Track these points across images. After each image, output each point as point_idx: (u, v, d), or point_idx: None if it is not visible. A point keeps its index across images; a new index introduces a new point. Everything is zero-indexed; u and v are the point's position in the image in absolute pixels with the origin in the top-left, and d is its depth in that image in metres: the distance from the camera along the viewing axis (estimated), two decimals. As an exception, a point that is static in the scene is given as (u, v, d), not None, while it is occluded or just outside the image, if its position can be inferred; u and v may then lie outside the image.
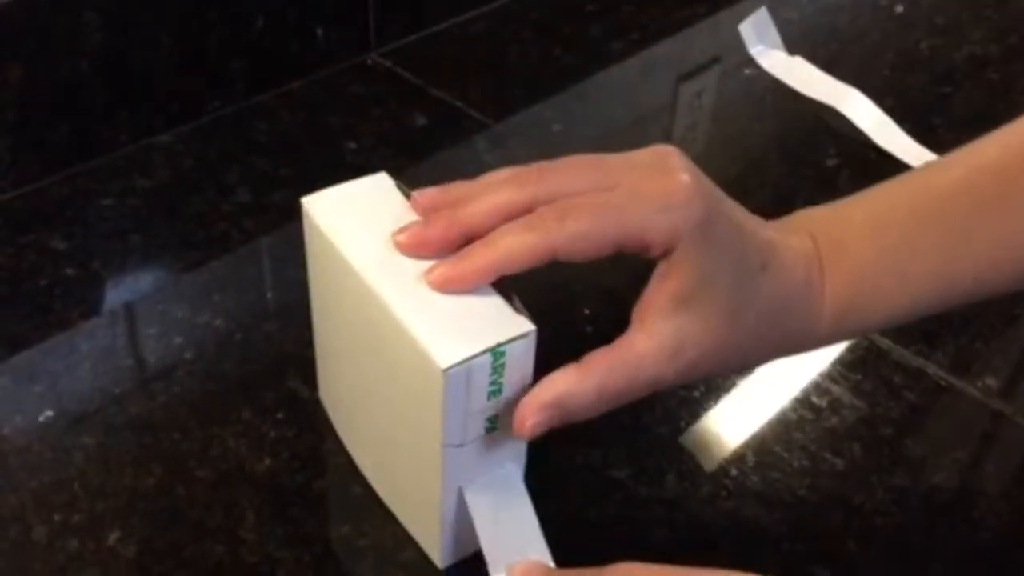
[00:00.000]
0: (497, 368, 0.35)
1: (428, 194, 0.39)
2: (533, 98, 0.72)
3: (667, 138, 0.71)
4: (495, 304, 0.36)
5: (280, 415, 0.48)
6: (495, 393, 0.36)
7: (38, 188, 0.60)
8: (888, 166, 0.66)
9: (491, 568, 0.37)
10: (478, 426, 0.36)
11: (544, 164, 0.37)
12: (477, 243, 0.36)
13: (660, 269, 0.36)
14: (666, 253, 0.36)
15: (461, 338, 0.35)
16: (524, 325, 0.35)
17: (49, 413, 0.47)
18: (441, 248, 0.37)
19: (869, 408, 0.49)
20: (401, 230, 0.37)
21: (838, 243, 0.39)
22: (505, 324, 0.35)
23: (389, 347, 0.37)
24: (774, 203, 0.63)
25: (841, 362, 0.52)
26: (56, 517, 0.43)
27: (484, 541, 0.38)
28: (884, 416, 0.49)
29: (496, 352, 0.35)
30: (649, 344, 0.36)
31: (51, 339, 0.51)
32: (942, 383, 0.51)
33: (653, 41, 0.79)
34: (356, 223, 0.39)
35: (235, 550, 0.42)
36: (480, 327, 0.35)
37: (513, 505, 0.38)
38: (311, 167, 0.64)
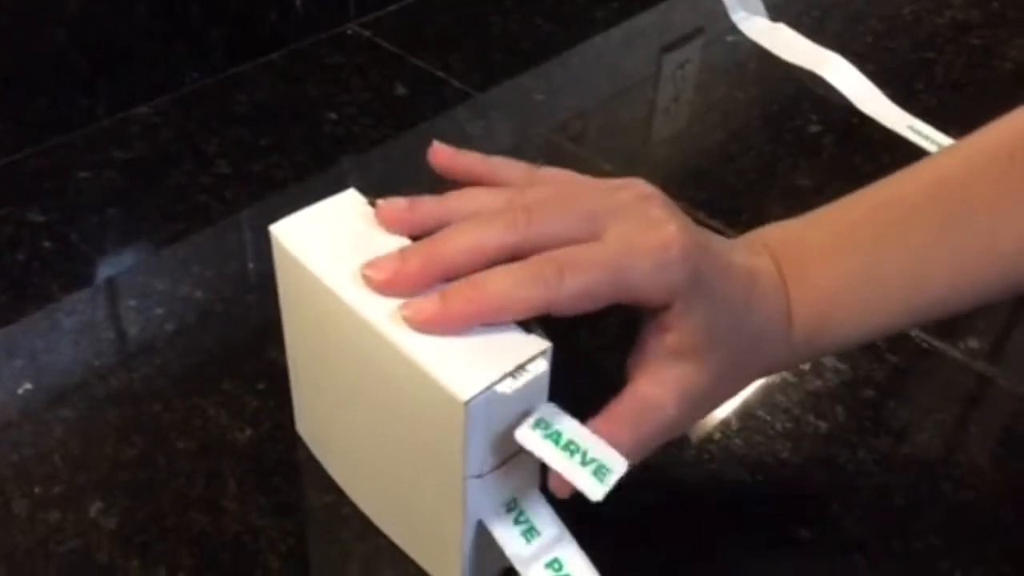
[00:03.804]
0: (518, 391, 0.33)
1: (394, 207, 0.37)
2: (515, 67, 0.71)
3: (651, 108, 0.70)
4: (503, 323, 0.34)
5: (261, 386, 0.47)
6: (516, 417, 0.34)
7: (15, 161, 0.60)
8: (870, 132, 0.66)
9: None
10: (498, 454, 0.35)
11: (526, 199, 0.36)
12: (465, 284, 0.34)
13: (658, 321, 0.36)
14: (662, 307, 0.35)
15: (476, 365, 0.33)
16: (539, 343, 0.34)
17: (28, 386, 0.47)
18: (417, 287, 0.35)
19: (852, 371, 0.50)
20: (371, 264, 0.35)
21: (800, 267, 0.39)
22: (519, 344, 0.34)
23: (395, 381, 0.35)
24: (756, 170, 0.64)
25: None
26: (36, 490, 0.43)
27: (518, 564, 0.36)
28: (867, 379, 0.49)
29: (516, 375, 0.33)
30: (661, 392, 0.36)
31: (29, 312, 0.51)
32: (924, 345, 0.51)
33: (636, 10, 0.78)
34: (334, 249, 0.37)
35: (217, 519, 0.42)
36: (493, 350, 0.33)
37: (540, 522, 0.37)
38: (291, 138, 0.63)
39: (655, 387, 0.36)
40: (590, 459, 0.33)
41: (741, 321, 0.37)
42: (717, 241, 0.38)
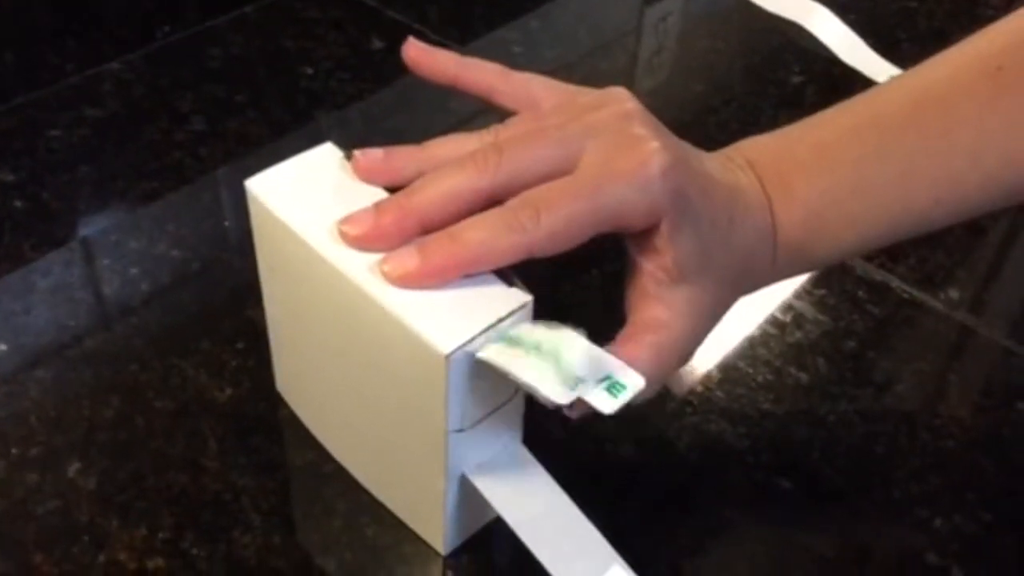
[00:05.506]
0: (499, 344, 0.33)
1: (371, 157, 0.37)
2: (494, 20, 0.70)
3: (633, 61, 0.70)
4: (483, 276, 0.34)
5: (240, 344, 0.47)
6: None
7: (-17, 120, 0.59)
8: (852, 82, 0.66)
9: (527, 542, 0.35)
10: (480, 407, 0.35)
11: (499, 139, 0.36)
12: (442, 236, 0.34)
13: (650, 246, 0.35)
14: (648, 227, 0.35)
15: (457, 319, 0.33)
16: (520, 296, 0.34)
17: (2, 347, 0.47)
18: (393, 241, 0.34)
19: (833, 322, 0.49)
20: (347, 219, 0.35)
21: (784, 183, 0.39)
22: (500, 297, 0.33)
23: (375, 336, 0.34)
24: (739, 121, 0.63)
25: (805, 277, 0.52)
26: (14, 451, 0.42)
27: (507, 515, 0.36)
28: (848, 330, 0.49)
29: (497, 329, 0.33)
30: (671, 314, 0.36)
31: (1, 273, 0.50)
32: (905, 296, 0.51)
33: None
34: (311, 203, 0.36)
35: (197, 479, 0.42)
36: (474, 304, 0.33)
37: (525, 474, 0.37)
38: (267, 93, 0.62)
39: (664, 310, 0.36)
40: (603, 376, 0.33)
41: (727, 238, 0.37)
42: (698, 158, 0.37)
